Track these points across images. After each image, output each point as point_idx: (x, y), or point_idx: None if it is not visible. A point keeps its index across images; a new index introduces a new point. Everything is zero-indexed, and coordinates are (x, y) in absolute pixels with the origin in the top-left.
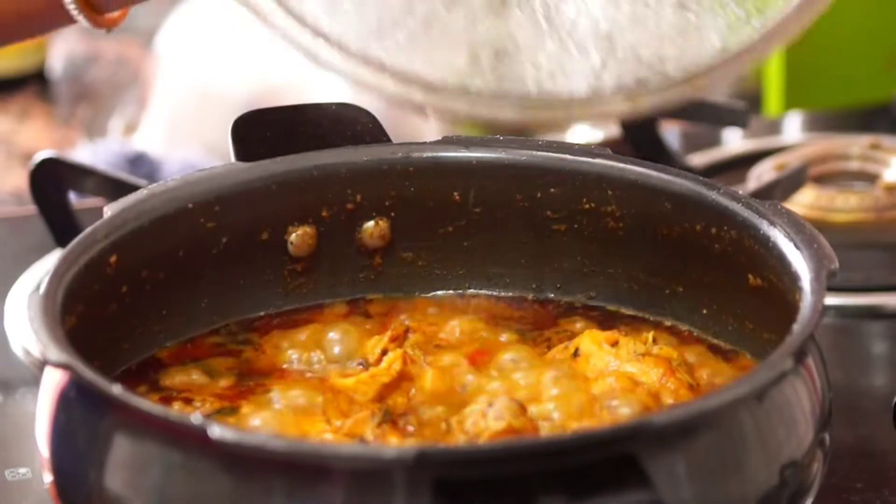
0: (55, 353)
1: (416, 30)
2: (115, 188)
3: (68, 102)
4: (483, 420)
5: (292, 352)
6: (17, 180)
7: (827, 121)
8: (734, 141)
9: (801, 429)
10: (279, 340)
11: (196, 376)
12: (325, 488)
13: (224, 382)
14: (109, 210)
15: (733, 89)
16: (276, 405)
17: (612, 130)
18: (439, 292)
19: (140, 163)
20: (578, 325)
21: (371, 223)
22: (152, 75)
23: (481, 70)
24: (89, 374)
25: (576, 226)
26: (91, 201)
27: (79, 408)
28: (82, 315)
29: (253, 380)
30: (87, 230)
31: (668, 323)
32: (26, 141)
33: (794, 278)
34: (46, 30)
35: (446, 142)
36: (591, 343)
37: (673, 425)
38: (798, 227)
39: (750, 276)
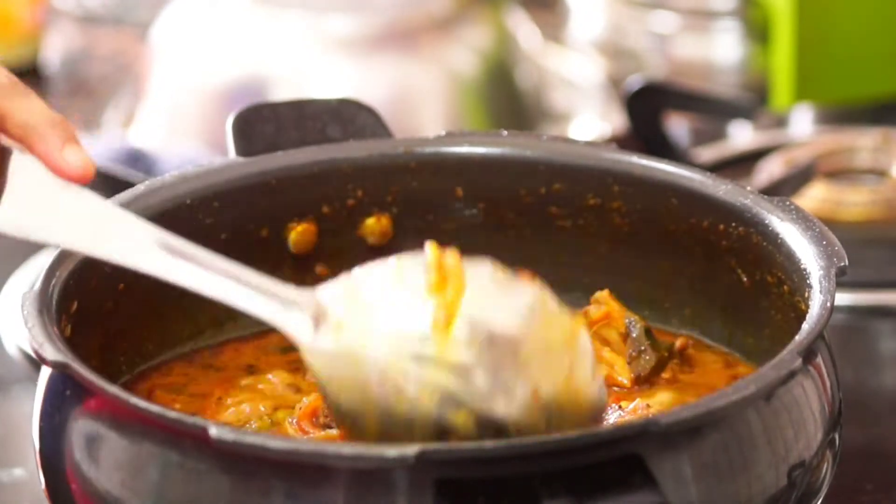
0: (51, 353)
1: None
2: (112, 184)
3: (64, 96)
4: None
5: None
6: None
7: (837, 114)
8: (742, 135)
9: (809, 429)
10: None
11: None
12: (325, 488)
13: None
14: None
15: (741, 81)
16: None
17: (619, 125)
18: None
19: (137, 158)
20: None
21: (372, 219)
22: (148, 69)
23: None
24: (86, 373)
25: (581, 222)
26: None
27: (76, 407)
28: (78, 312)
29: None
30: None
31: (673, 320)
32: None
33: (802, 276)
34: None
35: (449, 137)
36: None
37: (679, 425)
38: (807, 224)
39: (758, 274)
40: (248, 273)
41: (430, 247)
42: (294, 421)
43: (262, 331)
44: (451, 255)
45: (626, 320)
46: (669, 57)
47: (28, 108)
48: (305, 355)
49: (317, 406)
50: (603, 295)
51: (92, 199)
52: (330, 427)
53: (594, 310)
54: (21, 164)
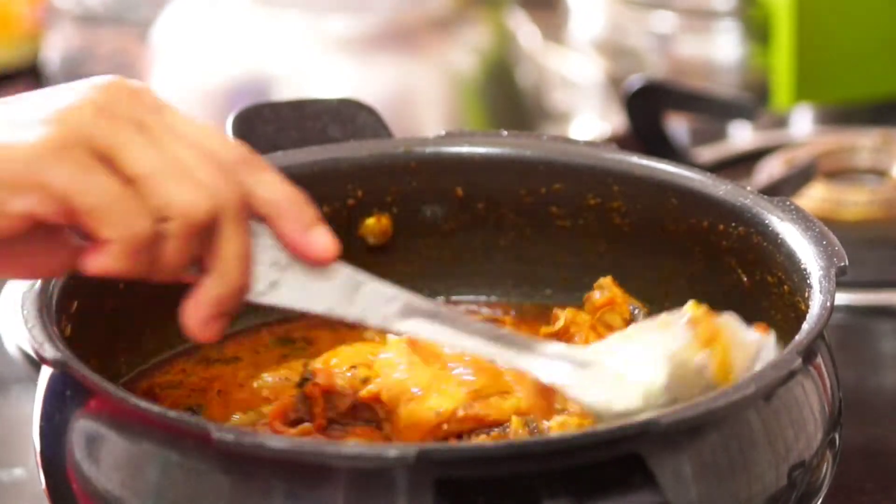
0: (51, 352)
1: None
2: None
3: None
4: None
5: None
6: None
7: (837, 115)
8: (742, 135)
9: (809, 429)
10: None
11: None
12: (325, 488)
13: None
14: None
15: (741, 81)
16: None
17: (619, 125)
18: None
19: None
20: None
21: (372, 219)
22: (148, 69)
23: None
24: (86, 372)
25: (581, 222)
26: None
27: (76, 407)
28: (78, 312)
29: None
30: None
31: None
32: None
33: (802, 276)
34: None
35: (449, 137)
36: None
37: (679, 425)
38: (807, 224)
39: (758, 274)
40: (489, 327)
41: (692, 304)
42: (266, 424)
43: (257, 324)
44: (705, 310)
45: (630, 306)
46: (669, 57)
47: (272, 184)
48: (570, 399)
49: (286, 404)
50: (606, 281)
51: (339, 268)
52: (302, 421)
53: (598, 295)
54: (269, 239)
